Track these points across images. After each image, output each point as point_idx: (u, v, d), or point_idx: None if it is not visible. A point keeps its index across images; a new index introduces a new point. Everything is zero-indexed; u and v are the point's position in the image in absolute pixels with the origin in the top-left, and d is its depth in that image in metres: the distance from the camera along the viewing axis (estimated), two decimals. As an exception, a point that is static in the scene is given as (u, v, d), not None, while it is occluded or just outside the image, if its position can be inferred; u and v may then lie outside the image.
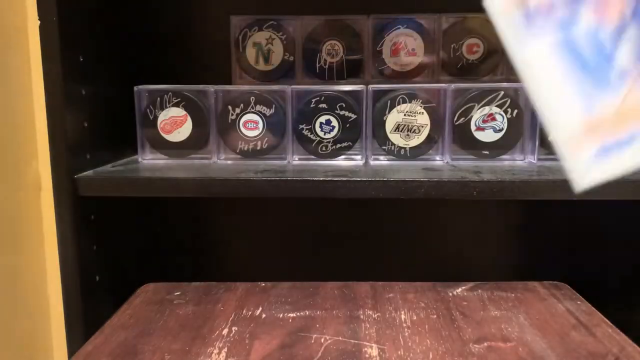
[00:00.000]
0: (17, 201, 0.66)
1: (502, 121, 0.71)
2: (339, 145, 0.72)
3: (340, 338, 0.51)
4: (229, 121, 0.72)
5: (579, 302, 0.60)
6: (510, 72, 0.84)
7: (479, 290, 0.63)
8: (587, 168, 0.21)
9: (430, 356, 0.48)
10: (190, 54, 0.88)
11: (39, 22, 0.62)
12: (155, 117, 0.73)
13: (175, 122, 0.73)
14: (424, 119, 0.71)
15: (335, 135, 0.72)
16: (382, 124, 0.71)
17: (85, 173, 0.67)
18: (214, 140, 0.73)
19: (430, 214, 0.91)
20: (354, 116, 0.71)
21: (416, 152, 0.72)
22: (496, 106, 0.70)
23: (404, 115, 0.71)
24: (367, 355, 0.48)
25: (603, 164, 0.20)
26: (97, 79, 0.71)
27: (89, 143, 0.69)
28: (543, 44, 0.22)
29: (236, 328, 0.53)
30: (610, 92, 0.21)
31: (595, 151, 0.21)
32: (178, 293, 0.62)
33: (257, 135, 0.73)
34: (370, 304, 0.59)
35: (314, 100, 0.71)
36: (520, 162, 0.72)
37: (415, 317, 0.56)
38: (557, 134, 0.21)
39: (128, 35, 0.81)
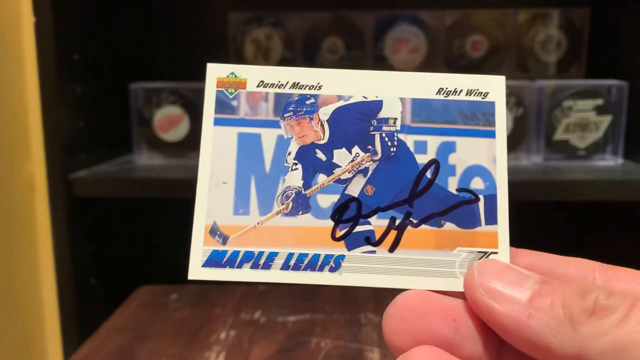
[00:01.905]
0: (9, 202, 0.65)
1: (506, 120, 0.69)
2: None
3: (340, 342, 0.51)
4: (228, 120, 0.71)
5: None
6: (515, 70, 0.83)
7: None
8: (200, 262, 0.21)
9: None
10: (187, 51, 0.87)
11: (34, 19, 0.61)
12: (152, 116, 0.72)
13: (171, 121, 0.72)
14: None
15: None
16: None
17: (80, 173, 0.66)
18: (212, 139, 0.72)
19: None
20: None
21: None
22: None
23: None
24: (368, 361, 0.47)
25: (216, 268, 0.21)
26: (92, 77, 0.70)
27: (84, 142, 0.68)
28: (232, 131, 0.22)
29: (234, 332, 0.53)
30: (255, 211, 0.21)
31: (211, 252, 0.21)
32: (175, 296, 0.62)
33: (256, 134, 0.72)
34: (372, 307, 0.58)
35: (314, 98, 0.70)
36: (526, 162, 0.71)
37: (418, 321, 0.55)
38: (197, 222, 0.21)
39: (124, 33, 0.80)
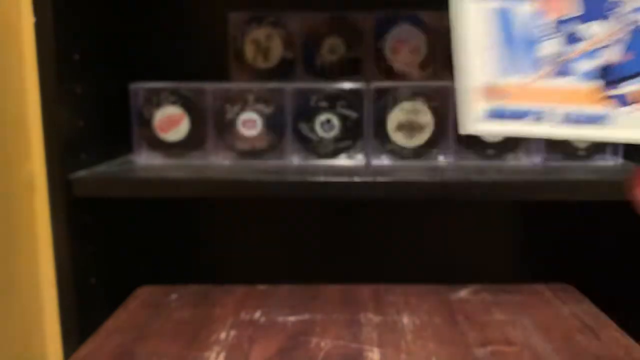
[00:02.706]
0: (9, 202, 0.65)
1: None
2: (339, 145, 0.71)
3: (341, 342, 0.51)
4: (227, 120, 0.71)
5: (585, 305, 0.59)
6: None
7: (483, 293, 0.62)
8: (475, 119, 0.25)
9: (434, 362, 0.47)
10: (187, 51, 0.87)
11: (34, 19, 0.61)
12: (152, 116, 0.72)
13: (171, 121, 0.72)
14: (427, 118, 0.70)
15: (336, 134, 0.71)
16: (384, 122, 0.70)
17: (80, 173, 0.66)
18: (212, 139, 0.72)
19: (433, 214, 0.90)
20: (355, 115, 0.70)
21: (419, 152, 0.71)
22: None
23: (407, 114, 0.70)
24: (368, 361, 0.47)
25: (492, 122, 0.25)
26: (93, 77, 0.70)
27: (84, 142, 0.68)
28: (484, 7, 0.25)
29: (234, 332, 0.53)
30: (522, 72, 0.25)
31: (488, 109, 0.25)
32: (175, 296, 0.62)
33: (255, 135, 0.72)
34: (372, 307, 0.58)
35: (313, 98, 0.70)
36: (526, 162, 0.71)
37: (417, 321, 0.55)
38: (463, 84, 0.25)
39: (124, 33, 0.80)
